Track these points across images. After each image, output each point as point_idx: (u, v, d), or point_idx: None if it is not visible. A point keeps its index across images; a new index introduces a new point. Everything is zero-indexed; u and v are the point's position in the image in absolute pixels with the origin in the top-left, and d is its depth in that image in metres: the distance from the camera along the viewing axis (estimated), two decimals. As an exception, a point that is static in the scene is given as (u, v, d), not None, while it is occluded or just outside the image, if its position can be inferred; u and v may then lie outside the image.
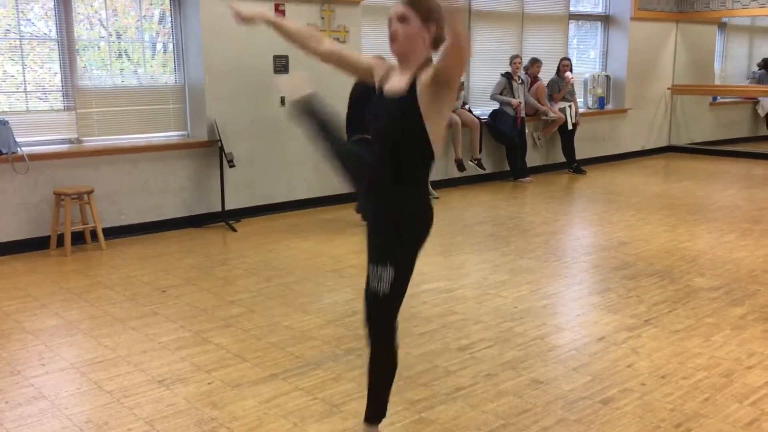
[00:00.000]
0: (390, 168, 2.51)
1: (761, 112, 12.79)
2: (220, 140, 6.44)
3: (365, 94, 6.85)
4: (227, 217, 6.58)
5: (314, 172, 7.37)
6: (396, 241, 2.57)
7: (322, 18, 7.22)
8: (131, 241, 6.06)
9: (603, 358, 3.61)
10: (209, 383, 3.35)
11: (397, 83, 2.50)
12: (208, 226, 6.57)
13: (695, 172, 9.66)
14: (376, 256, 2.58)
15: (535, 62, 9.03)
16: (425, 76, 2.40)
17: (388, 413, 3.03)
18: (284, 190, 7.19)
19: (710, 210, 7.23)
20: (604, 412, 3.03)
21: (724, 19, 12.05)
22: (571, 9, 10.03)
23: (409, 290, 4.69)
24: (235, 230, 6.41)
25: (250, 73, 6.79)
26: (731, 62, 13.10)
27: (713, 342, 3.77)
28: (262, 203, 7.01)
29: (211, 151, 6.60)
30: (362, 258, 5.31)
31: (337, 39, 7.35)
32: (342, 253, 5.61)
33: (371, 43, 7.87)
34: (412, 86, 2.43)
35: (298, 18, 7.03)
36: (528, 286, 4.72)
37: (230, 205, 6.71)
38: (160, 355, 3.68)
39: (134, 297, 4.59)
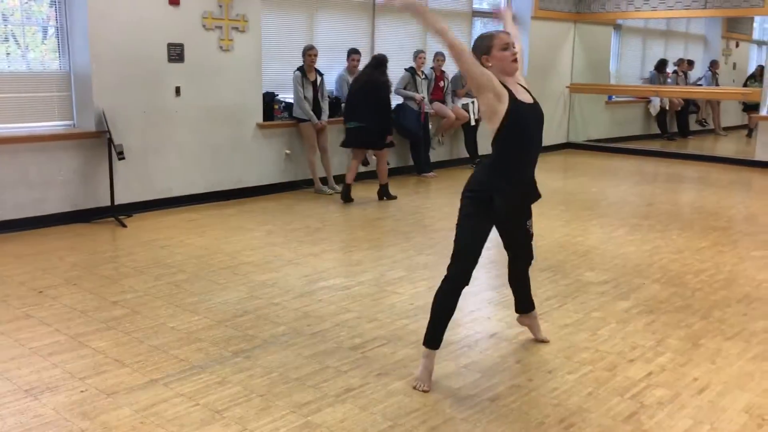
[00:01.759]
0: None
1: (653, 111, 13.37)
2: (109, 131, 6.11)
3: (368, 87, 6.97)
4: (117, 212, 6.26)
5: (213, 165, 7.14)
6: None
7: (220, 6, 6.98)
8: (7, 238, 5.67)
9: (494, 354, 3.62)
10: (82, 391, 3.14)
11: (525, 95, 3.24)
12: (96, 221, 6.23)
13: (590, 169, 9.98)
14: (528, 215, 3.53)
15: (439, 56, 9.06)
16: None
17: (271, 418, 2.94)
18: (180, 184, 6.92)
19: (603, 205, 7.47)
20: (491, 409, 3.03)
21: (619, 21, 12.51)
22: (474, 6, 10.14)
23: (304, 288, 4.63)
24: (125, 226, 6.10)
25: (143, 61, 6.48)
26: (625, 63, 13.62)
27: (599, 336, 3.85)
28: (156, 197, 6.72)
29: (99, 142, 6.25)
30: (260, 254, 5.20)
31: (236, 29, 7.14)
32: (238, 249, 5.43)
33: (272, 34, 7.69)
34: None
35: (194, 7, 6.78)
36: (425, 282, 4.70)
37: (121, 200, 6.40)
38: (29, 361, 3.42)
39: (6, 298, 4.28)
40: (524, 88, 3.29)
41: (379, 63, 7.31)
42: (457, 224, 3.28)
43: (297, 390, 3.19)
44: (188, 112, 6.88)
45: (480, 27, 10.61)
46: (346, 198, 7.30)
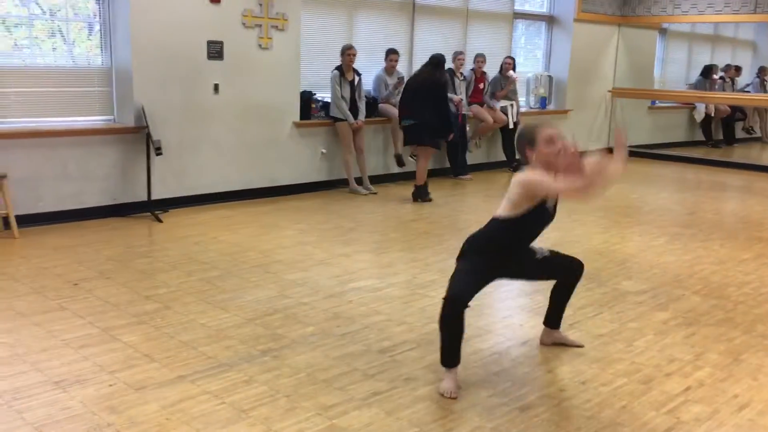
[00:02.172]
0: None
1: (698, 118, 13.06)
2: (148, 126, 6.17)
3: (428, 85, 7.23)
4: (153, 207, 6.32)
5: (249, 162, 7.17)
6: None
7: (260, 4, 7.00)
8: (47, 230, 5.76)
9: (525, 362, 3.54)
10: (111, 385, 3.15)
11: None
12: (133, 216, 6.30)
13: (631, 175, 9.77)
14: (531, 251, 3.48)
15: (479, 57, 8.97)
16: None
17: (296, 419, 2.91)
18: (216, 181, 6.96)
19: (642, 213, 7.30)
20: (521, 420, 2.96)
21: (665, 25, 12.25)
22: (516, 8, 10.02)
23: (335, 289, 4.61)
24: (160, 221, 6.16)
25: (182, 58, 6.53)
26: (670, 67, 13.34)
27: (635, 347, 3.74)
28: (191, 193, 6.77)
29: (138, 137, 6.32)
30: (292, 253, 5.19)
31: (276, 27, 7.16)
32: (271, 248, 5.43)
33: (311, 33, 7.70)
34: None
35: (234, 5, 6.81)
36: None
37: (157, 195, 6.45)
38: (60, 353, 3.45)
39: (42, 290, 4.33)
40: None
41: (439, 63, 7.35)
42: (457, 268, 3.33)
43: (323, 392, 3.15)
44: (226, 110, 6.91)
45: (522, 29, 10.50)
46: (423, 196, 7.38)
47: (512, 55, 9.53)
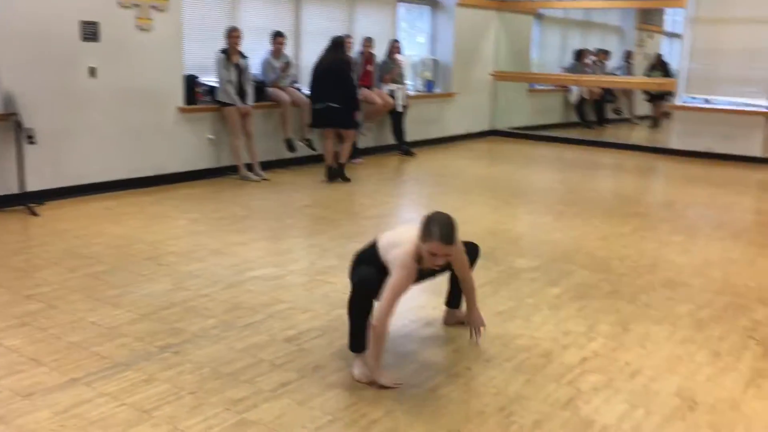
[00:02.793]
0: None
1: (572, 100, 13.69)
2: (17, 113, 5.72)
3: (334, 67, 7.37)
4: (27, 200, 5.88)
5: (132, 150, 6.82)
6: None
7: (139, -17, 6.64)
8: None
9: (431, 344, 3.59)
10: (-5, 394, 2.91)
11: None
12: (4, 210, 5.84)
13: (514, 156, 10.13)
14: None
15: (367, 41, 8.95)
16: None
17: (203, 416, 2.81)
18: (97, 170, 6.57)
19: (528, 192, 7.58)
20: (432, 400, 2.99)
21: (540, 11, 12.71)
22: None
23: (233, 279, 4.47)
24: (36, 214, 5.75)
25: (53, 40, 6.10)
26: (546, 52, 13.88)
27: (533, 322, 3.87)
28: (70, 184, 6.36)
29: (5, 125, 5.85)
30: (184, 244, 4.99)
31: (155, 8, 6.82)
32: (162, 239, 5.19)
33: (193, 15, 7.40)
34: None
35: (109, -19, 6.42)
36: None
37: (31, 187, 6.01)
38: (-67, 363, 3.15)
39: None
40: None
41: (339, 44, 7.50)
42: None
43: (230, 386, 3.05)
44: (104, 95, 6.53)
45: (405, 12, 10.56)
46: (334, 177, 7.50)
47: (397, 39, 9.58)
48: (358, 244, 5.15)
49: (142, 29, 6.73)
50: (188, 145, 7.32)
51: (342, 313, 3.89)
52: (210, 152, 7.55)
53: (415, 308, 4.04)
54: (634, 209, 6.81)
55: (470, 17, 11.02)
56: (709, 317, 4.00)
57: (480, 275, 4.58)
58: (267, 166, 7.84)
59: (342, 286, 4.32)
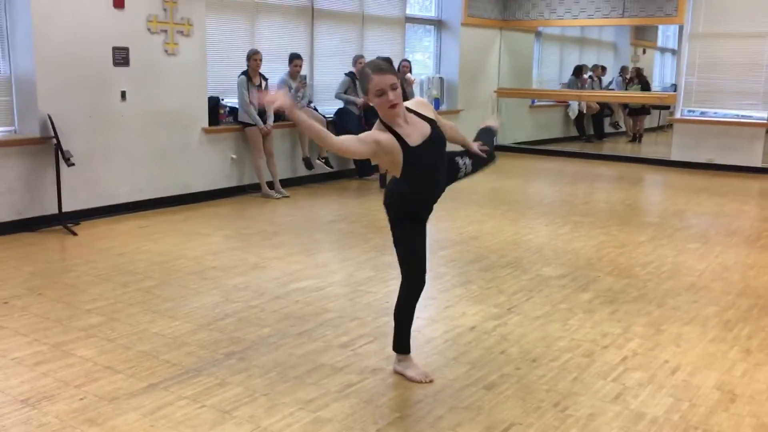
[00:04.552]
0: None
1: (572, 115, 14.02)
2: (56, 136, 5.93)
3: None
4: (65, 220, 6.07)
5: (161, 170, 7.03)
6: None
7: (165, 9, 6.88)
8: (-46, 249, 5.42)
9: (477, 346, 3.79)
10: (81, 399, 3.09)
11: (418, 130, 3.15)
12: (43, 230, 6.03)
13: (522, 170, 10.39)
14: None
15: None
16: (433, 113, 3.29)
17: (281, 415, 3.00)
18: (127, 190, 6.78)
19: (543, 204, 7.82)
20: (489, 398, 3.19)
21: (540, 28, 13.05)
22: (408, 12, 10.36)
23: (278, 291, 4.68)
24: (75, 234, 5.93)
25: (88, 65, 6.33)
26: (546, 68, 14.22)
27: (570, 326, 4.09)
28: (103, 204, 6.56)
29: (44, 148, 6.06)
30: (224, 258, 5.19)
31: (181, 32, 7.06)
32: (200, 254, 5.39)
33: (215, 38, 7.64)
34: (432, 121, 3.23)
35: (139, 10, 6.66)
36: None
37: (68, 207, 6.20)
38: (16, 372, 3.33)
39: (-28, 310, 4.12)
40: (420, 115, 3.18)
41: (389, 63, 7.73)
42: (395, 236, 3.30)
43: (299, 387, 3.25)
44: (134, 117, 6.75)
45: (412, 31, 10.85)
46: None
47: (407, 58, 9.86)
48: (391, 257, 5.37)
49: (169, 53, 6.97)
50: (212, 164, 7.53)
51: (387, 320, 4.11)
52: (233, 171, 7.77)
53: (455, 315, 4.25)
54: (647, 219, 7.06)
55: (474, 36, 11.33)
56: (735, 318, 4.23)
57: (510, 283, 4.84)
58: (285, 183, 8.06)
59: (383, 296, 4.55)
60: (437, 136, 3.21)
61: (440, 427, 2.92)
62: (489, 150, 3.59)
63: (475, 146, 3.55)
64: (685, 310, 4.37)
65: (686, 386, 3.32)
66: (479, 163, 3.56)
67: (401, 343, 3.43)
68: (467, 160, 3.49)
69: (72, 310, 4.18)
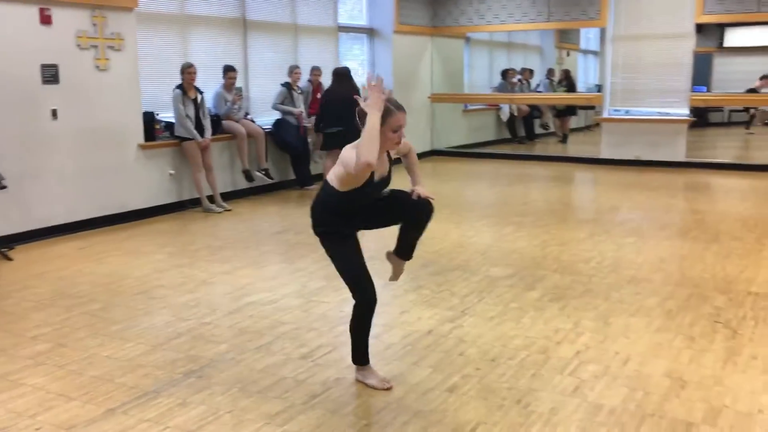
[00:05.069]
0: None
1: (503, 118, 14.33)
2: (-14, 159, 5.70)
3: (347, 96, 6.59)
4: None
5: (97, 189, 6.84)
6: None
7: (94, 25, 6.71)
8: None
9: (436, 349, 3.84)
10: (37, 429, 2.99)
11: (381, 170, 3.33)
12: (-25, 256, 5.78)
13: (458, 173, 10.55)
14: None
15: (315, 70, 9.21)
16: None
17: (248, 431, 2.97)
18: (63, 211, 6.56)
19: (483, 206, 7.98)
20: (453, 400, 3.24)
21: (468, 34, 13.30)
22: (340, 21, 10.40)
23: (231, 306, 4.62)
24: (10, 259, 5.71)
25: (15, 84, 6.11)
26: (476, 73, 14.49)
27: (524, 324, 4.19)
28: (38, 227, 6.33)
29: (-27, 171, 5.82)
30: (171, 276, 5.08)
31: (112, 47, 6.90)
32: (146, 273, 5.28)
33: (148, 52, 7.49)
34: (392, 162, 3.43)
35: (67, 26, 6.48)
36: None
37: (0, 232, 5.96)
38: (-36, 407, 3.19)
39: None
40: (388, 156, 3.33)
41: (347, 75, 8.26)
42: (332, 258, 3.39)
43: (263, 402, 3.22)
44: (67, 135, 6.55)
45: (345, 40, 10.88)
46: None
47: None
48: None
49: (101, 69, 6.79)
50: (150, 180, 7.37)
51: (344, 329, 4.12)
52: (171, 187, 7.62)
53: (410, 321, 4.29)
54: (584, 216, 7.29)
55: (406, 43, 11.45)
56: (676, 307, 4.42)
57: (461, 285, 4.92)
58: (225, 197, 7.96)
59: (336, 304, 4.55)
60: (389, 179, 3.40)
61: (408, 432, 2.95)
62: (430, 204, 3.48)
63: (422, 189, 3.46)
64: (630, 302, 4.54)
65: (638, 376, 3.45)
66: (414, 207, 3.45)
67: (359, 356, 3.45)
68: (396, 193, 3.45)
69: (15, 339, 4.02)
